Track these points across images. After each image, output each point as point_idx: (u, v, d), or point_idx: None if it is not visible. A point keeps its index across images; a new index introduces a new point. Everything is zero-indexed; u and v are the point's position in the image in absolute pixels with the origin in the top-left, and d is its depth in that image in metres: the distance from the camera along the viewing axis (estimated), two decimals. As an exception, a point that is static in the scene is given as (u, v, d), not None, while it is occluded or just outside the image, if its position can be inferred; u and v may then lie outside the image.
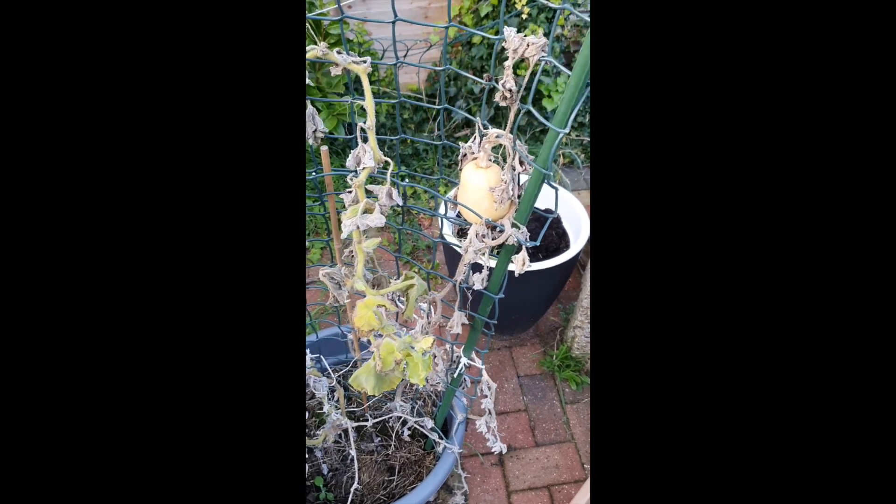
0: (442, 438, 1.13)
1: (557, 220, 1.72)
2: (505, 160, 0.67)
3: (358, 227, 0.64)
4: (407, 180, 2.38)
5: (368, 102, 0.62)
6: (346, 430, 1.14)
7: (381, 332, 0.64)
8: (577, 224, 1.63)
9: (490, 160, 0.68)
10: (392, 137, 0.72)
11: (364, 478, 1.17)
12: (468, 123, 2.52)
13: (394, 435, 1.22)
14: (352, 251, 0.70)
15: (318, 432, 1.11)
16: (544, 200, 1.76)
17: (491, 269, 0.75)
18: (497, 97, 0.59)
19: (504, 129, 0.64)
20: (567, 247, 1.62)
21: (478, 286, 0.77)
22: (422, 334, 0.83)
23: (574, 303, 1.92)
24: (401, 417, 1.18)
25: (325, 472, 1.19)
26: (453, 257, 1.54)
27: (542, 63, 0.53)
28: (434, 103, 2.58)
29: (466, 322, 0.84)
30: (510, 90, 0.57)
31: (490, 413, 1.00)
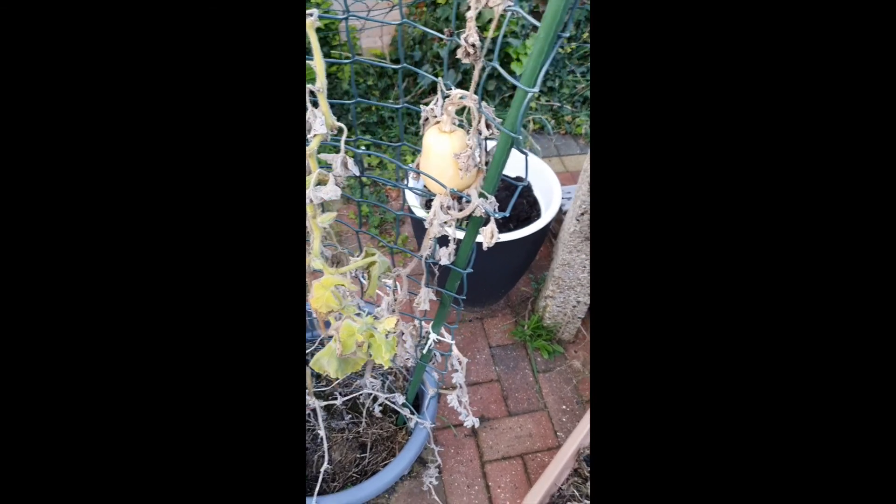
0: (413, 414, 1.11)
1: (528, 189, 1.69)
2: (471, 124, 0.62)
3: (311, 201, 0.58)
4: (369, 148, 2.30)
5: (317, 61, 0.56)
6: (314, 410, 1.10)
7: (341, 312, 0.59)
8: (548, 192, 1.60)
9: (454, 124, 0.63)
10: (348, 102, 0.66)
11: (335, 456, 1.14)
12: (435, 90, 2.44)
13: (364, 412, 1.19)
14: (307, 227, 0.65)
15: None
16: (513, 168, 1.72)
17: (458, 243, 0.71)
18: (459, 53, 0.53)
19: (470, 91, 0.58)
20: (538, 216, 1.59)
21: (444, 261, 0.73)
22: (387, 313, 0.79)
23: (545, 273, 1.90)
24: (371, 394, 1.15)
25: (295, 452, 1.15)
26: (421, 230, 1.49)
27: (509, 15, 0.48)
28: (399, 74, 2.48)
29: (434, 298, 0.81)
30: (473, 45, 0.52)
31: (461, 387, 0.97)
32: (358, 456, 1.15)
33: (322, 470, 0.97)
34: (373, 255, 0.64)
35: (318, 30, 0.62)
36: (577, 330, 1.70)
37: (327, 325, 1.11)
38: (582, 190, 1.29)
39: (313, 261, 0.61)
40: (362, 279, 0.69)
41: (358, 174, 0.62)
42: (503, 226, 1.53)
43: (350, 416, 1.21)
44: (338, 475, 1.11)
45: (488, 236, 0.63)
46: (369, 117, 2.42)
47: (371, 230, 1.99)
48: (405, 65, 0.62)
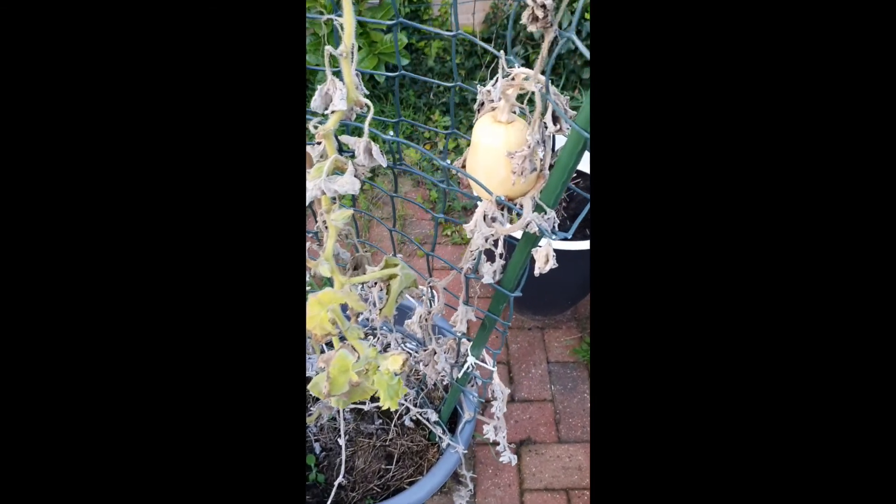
0: (445, 434, 0.99)
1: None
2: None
3: (324, 193, 0.47)
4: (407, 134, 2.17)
5: (346, 18, 0.44)
6: (339, 411, 1.02)
7: (345, 335, 0.48)
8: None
9: (514, 113, 0.49)
10: (392, 74, 0.54)
11: (358, 464, 1.05)
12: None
13: (394, 420, 1.09)
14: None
15: (311, 409, 1.00)
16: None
17: (506, 260, 0.57)
18: (525, 16, 0.39)
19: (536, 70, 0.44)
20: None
21: (488, 279, 0.59)
22: (418, 329, 0.67)
23: (622, 286, 1.70)
24: (404, 404, 1.05)
25: (318, 451, 1.08)
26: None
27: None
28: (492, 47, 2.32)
29: (474, 318, 0.68)
30: (543, 6, 0.37)
31: (499, 420, 0.84)
32: (383, 467, 1.06)
33: (336, 484, 0.88)
34: (394, 265, 0.52)
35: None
36: (651, 357, 1.50)
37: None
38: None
39: (321, 266, 0.50)
40: (379, 294, 0.57)
41: (385, 164, 0.50)
42: (577, 231, 1.36)
43: (381, 421, 1.12)
44: (358, 485, 1.02)
45: (542, 259, 0.49)
46: (450, 97, 2.30)
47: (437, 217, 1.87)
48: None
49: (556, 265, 0.48)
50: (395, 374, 0.45)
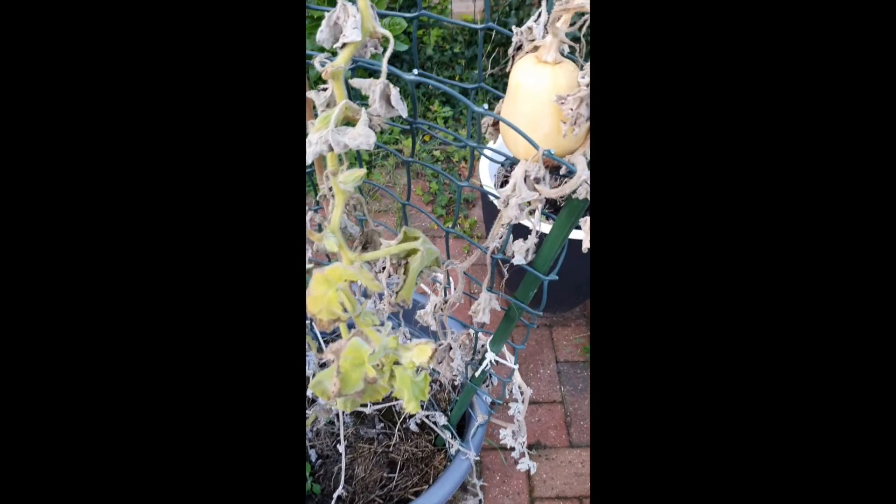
0: (455, 439, 0.90)
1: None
2: (588, 56, 0.39)
3: (331, 148, 0.38)
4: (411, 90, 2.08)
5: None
6: (338, 414, 0.93)
7: (355, 321, 0.39)
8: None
9: (561, 52, 0.40)
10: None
11: (358, 471, 0.96)
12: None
13: (398, 424, 1.00)
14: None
15: (307, 411, 0.91)
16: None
17: (542, 236, 0.49)
18: None
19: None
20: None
21: (519, 259, 0.51)
22: (431, 319, 0.59)
23: (632, 282, 1.63)
24: (408, 406, 0.96)
25: (314, 458, 0.99)
26: (492, 215, 1.26)
27: None
28: (492, 37, 2.25)
29: (499, 307, 0.59)
30: None
31: (519, 424, 0.75)
32: (385, 476, 0.97)
33: (335, 496, 0.79)
34: (414, 238, 0.43)
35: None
36: (665, 356, 1.43)
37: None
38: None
39: (326, 239, 0.41)
40: (393, 272, 0.49)
41: (405, 115, 0.41)
42: (591, 222, 1.28)
43: (382, 424, 1.03)
44: (358, 496, 0.93)
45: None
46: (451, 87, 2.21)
47: (437, 210, 1.79)
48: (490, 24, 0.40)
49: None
50: (422, 369, 0.36)
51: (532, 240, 0.51)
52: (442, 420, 0.89)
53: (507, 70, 0.43)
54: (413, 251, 0.42)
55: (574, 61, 0.41)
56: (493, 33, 2.37)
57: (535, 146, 0.38)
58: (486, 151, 0.46)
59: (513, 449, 0.81)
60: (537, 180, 0.40)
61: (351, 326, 0.41)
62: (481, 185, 0.53)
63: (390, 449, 1.00)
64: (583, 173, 0.38)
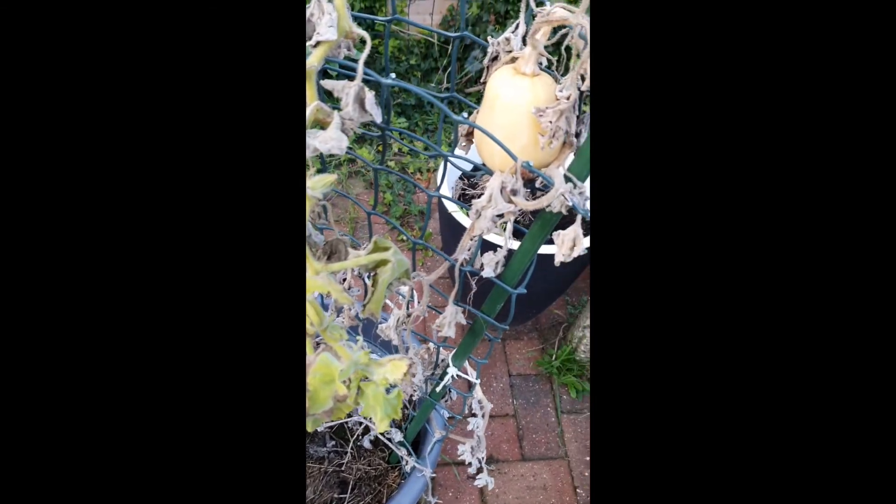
0: (411, 455, 0.88)
1: (578, 198, 1.45)
2: (567, 70, 0.40)
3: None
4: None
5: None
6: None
7: (322, 336, 0.37)
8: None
9: (541, 65, 0.40)
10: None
11: (307, 493, 0.92)
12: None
13: (352, 441, 0.96)
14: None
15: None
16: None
17: (510, 250, 0.48)
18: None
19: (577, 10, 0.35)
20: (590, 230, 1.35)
21: (488, 272, 0.50)
22: (393, 334, 0.57)
23: (585, 297, 1.66)
24: (363, 423, 0.93)
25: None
26: (451, 227, 1.26)
27: None
28: (447, 51, 2.26)
29: (464, 321, 0.58)
30: None
31: (479, 439, 0.74)
32: (335, 496, 0.92)
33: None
34: (385, 249, 0.41)
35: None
36: (613, 369, 1.46)
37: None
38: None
39: (291, 247, 0.38)
40: (366, 280, 0.47)
41: (378, 121, 0.39)
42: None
43: (333, 442, 0.99)
44: (307, 518, 0.89)
45: (567, 245, 0.40)
46: (406, 98, 2.21)
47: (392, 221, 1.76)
48: (464, 33, 0.39)
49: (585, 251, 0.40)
50: (394, 386, 0.35)
51: (502, 252, 0.50)
52: (398, 436, 0.86)
53: (467, 81, 0.43)
54: (383, 262, 0.40)
55: (550, 75, 0.41)
56: (449, 46, 2.39)
57: (514, 157, 0.38)
58: (453, 160, 0.45)
59: (470, 464, 0.79)
60: (514, 192, 0.40)
61: (317, 342, 0.39)
62: (451, 197, 0.53)
63: (342, 468, 0.96)
64: (560, 186, 0.38)
